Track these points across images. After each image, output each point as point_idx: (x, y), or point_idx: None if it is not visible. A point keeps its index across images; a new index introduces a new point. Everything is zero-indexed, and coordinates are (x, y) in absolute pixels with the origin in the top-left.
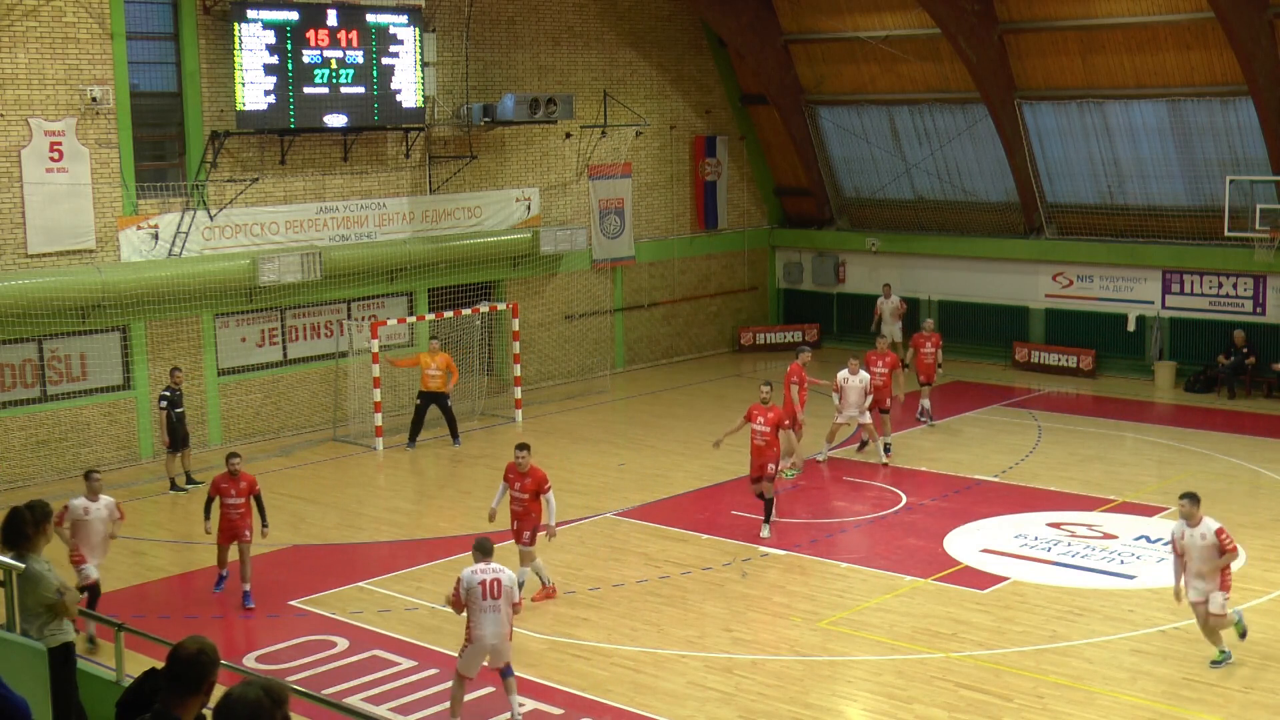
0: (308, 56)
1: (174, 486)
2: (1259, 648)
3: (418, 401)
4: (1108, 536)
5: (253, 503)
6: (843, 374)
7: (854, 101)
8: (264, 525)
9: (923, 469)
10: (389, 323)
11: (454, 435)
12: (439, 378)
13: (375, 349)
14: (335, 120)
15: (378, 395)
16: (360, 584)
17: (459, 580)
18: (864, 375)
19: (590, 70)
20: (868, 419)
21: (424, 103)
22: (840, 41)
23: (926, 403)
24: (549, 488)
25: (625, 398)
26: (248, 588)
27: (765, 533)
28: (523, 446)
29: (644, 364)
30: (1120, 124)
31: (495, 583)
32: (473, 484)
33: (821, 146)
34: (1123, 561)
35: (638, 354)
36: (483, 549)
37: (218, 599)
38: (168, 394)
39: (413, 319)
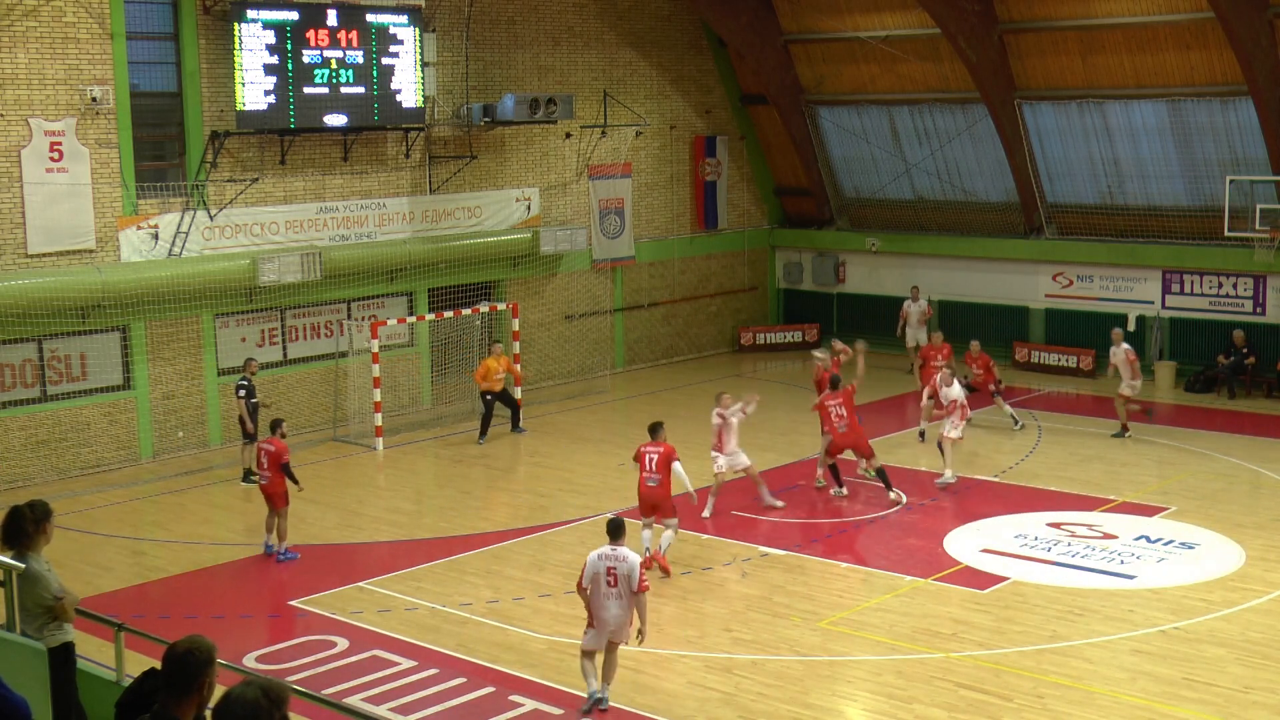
0: (308, 56)
1: (246, 477)
2: (1259, 648)
3: (486, 398)
4: (1108, 536)
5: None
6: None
7: (854, 101)
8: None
9: (922, 469)
10: (389, 323)
11: (516, 423)
12: (503, 380)
13: (375, 349)
14: (335, 120)
15: (378, 395)
16: (360, 584)
17: (585, 565)
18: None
19: (590, 70)
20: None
21: (424, 103)
22: (840, 41)
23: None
24: (677, 457)
25: (625, 398)
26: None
27: (894, 496)
28: (658, 425)
29: (644, 364)
30: (1120, 124)
31: (612, 571)
32: (473, 484)
33: (821, 146)
34: (1123, 561)
35: (638, 354)
36: (615, 531)
37: (218, 598)
38: (245, 384)
39: (413, 319)
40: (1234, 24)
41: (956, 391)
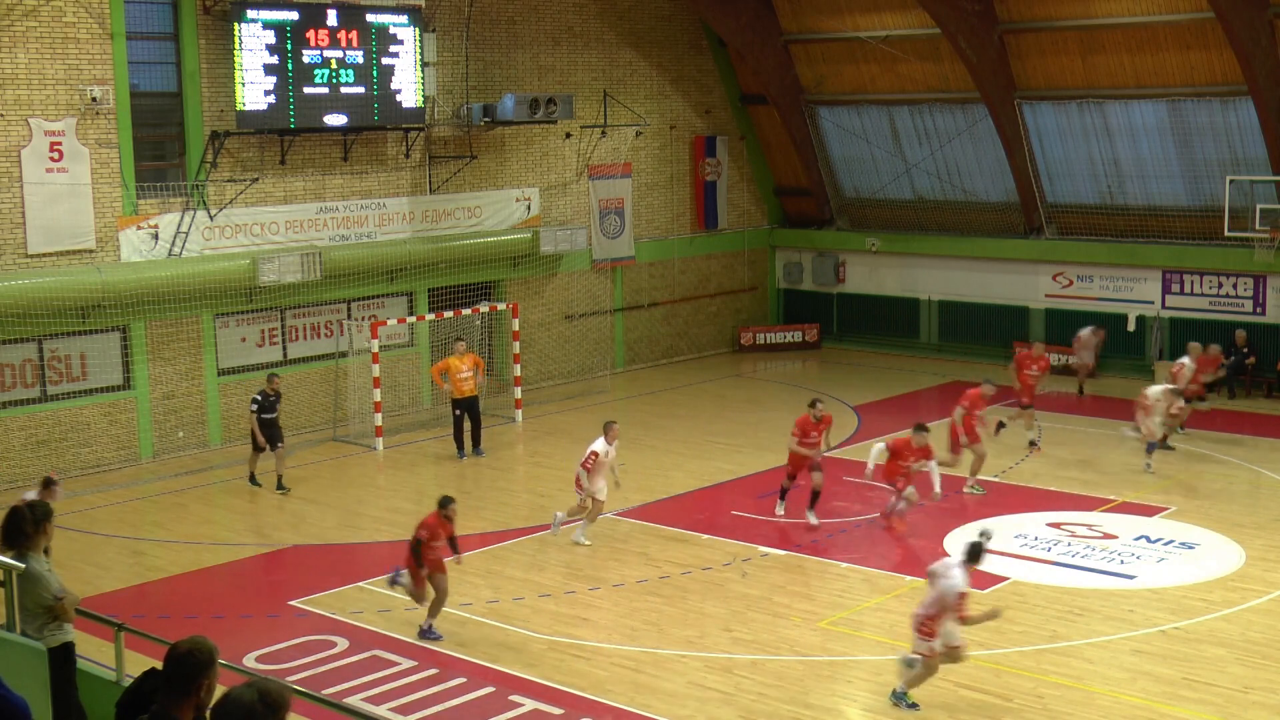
0: (308, 56)
1: (253, 479)
2: (1259, 648)
3: (455, 413)
4: (1108, 536)
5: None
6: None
7: (854, 101)
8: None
9: (924, 469)
10: (389, 323)
11: (476, 443)
12: (470, 379)
13: (375, 349)
14: (335, 120)
15: (378, 395)
16: (360, 584)
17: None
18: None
19: (590, 70)
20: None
21: (424, 103)
22: (840, 41)
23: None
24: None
25: (625, 398)
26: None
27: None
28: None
29: (644, 364)
30: (1120, 124)
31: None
32: (473, 484)
33: (821, 146)
34: (1122, 561)
35: (638, 354)
36: (971, 554)
37: (219, 598)
38: (257, 399)
39: (413, 319)
40: (1234, 24)
41: (1156, 390)
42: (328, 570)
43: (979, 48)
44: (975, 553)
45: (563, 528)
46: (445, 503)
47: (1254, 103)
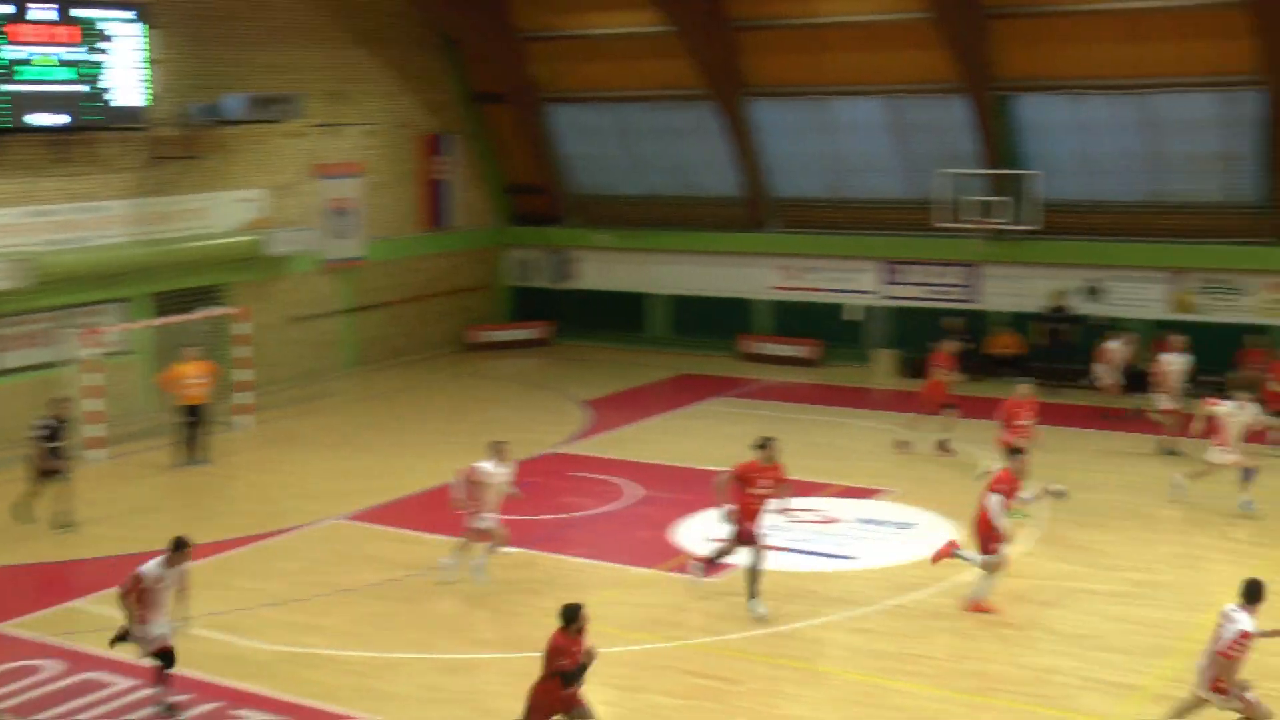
0: (16, 51)
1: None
2: (970, 618)
3: (183, 420)
4: (829, 520)
5: None
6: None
7: (587, 99)
8: None
9: (657, 461)
10: (109, 330)
11: (201, 451)
12: (200, 386)
13: (92, 358)
14: (49, 119)
15: (96, 406)
16: (72, 603)
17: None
18: (1252, 408)
19: (318, 69)
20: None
21: (145, 101)
22: (574, 39)
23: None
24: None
25: (356, 400)
26: None
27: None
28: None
29: (374, 365)
30: (844, 120)
31: (1220, 629)
32: (199, 493)
33: (555, 144)
34: (844, 544)
35: (368, 355)
36: (1249, 593)
37: None
38: (46, 426)
39: (135, 325)
40: (949, 25)
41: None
42: (36, 590)
43: (709, 45)
44: (1255, 592)
45: (450, 568)
46: (572, 614)
47: (966, 100)
